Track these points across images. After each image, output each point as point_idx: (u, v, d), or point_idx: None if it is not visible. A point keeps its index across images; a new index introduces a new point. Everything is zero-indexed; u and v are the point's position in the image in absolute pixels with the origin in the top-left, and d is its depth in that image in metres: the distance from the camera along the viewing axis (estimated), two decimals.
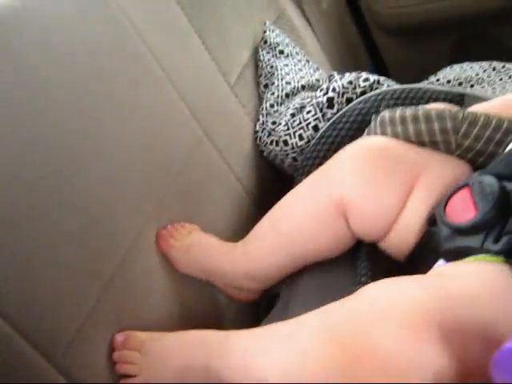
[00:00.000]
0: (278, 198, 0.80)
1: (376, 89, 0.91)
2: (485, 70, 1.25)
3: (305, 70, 1.11)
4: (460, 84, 1.25)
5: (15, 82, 0.64)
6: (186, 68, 0.93)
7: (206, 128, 0.93)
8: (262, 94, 1.10)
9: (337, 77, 0.95)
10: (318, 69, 1.17)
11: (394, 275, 0.58)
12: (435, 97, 0.83)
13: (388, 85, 0.91)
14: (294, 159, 0.95)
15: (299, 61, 1.14)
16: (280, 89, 1.06)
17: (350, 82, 0.92)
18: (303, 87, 1.07)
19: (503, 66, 1.23)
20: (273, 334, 0.60)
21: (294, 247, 0.76)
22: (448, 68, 1.32)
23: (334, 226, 0.72)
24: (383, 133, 0.73)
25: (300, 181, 0.82)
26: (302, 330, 0.56)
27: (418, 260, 0.68)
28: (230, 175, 0.95)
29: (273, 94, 1.07)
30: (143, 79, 0.83)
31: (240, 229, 0.89)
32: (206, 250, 0.80)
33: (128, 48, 0.81)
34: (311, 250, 0.75)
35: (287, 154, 0.96)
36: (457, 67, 1.31)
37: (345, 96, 0.91)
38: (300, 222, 0.75)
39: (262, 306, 0.83)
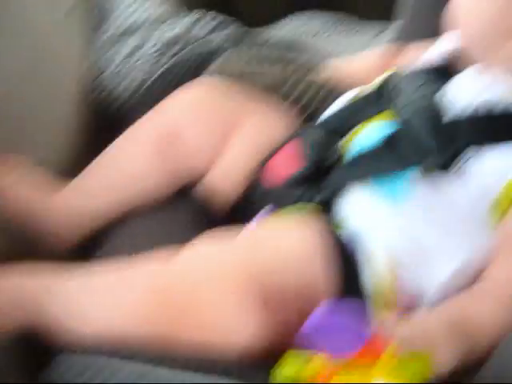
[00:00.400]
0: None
1: (223, 29, 0.89)
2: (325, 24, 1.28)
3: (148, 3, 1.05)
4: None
5: None
6: None
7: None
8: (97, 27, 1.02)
9: (182, 14, 0.92)
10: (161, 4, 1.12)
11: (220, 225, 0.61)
12: (273, 43, 0.85)
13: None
14: (123, 105, 0.91)
15: None
16: (114, 27, 0.99)
17: (198, 20, 0.89)
18: (145, 22, 1.01)
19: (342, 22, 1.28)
20: (95, 285, 0.57)
21: (126, 179, 0.74)
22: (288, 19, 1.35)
23: (165, 157, 0.72)
24: (221, 72, 0.74)
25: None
26: (125, 283, 0.55)
27: (241, 211, 0.69)
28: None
29: (105, 32, 0.99)
30: None
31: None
32: (28, 186, 0.74)
33: None
34: (143, 184, 0.73)
35: (116, 99, 0.91)
36: (303, 17, 1.34)
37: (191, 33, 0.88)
38: (134, 155, 0.74)
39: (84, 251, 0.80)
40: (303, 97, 0.74)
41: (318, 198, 0.60)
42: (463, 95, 0.58)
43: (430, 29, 0.81)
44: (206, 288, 0.51)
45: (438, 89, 0.60)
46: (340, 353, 0.45)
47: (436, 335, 0.47)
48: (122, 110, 0.93)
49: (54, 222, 0.71)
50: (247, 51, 0.74)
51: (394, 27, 1.06)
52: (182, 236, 0.63)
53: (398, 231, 0.56)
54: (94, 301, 0.55)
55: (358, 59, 0.82)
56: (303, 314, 0.48)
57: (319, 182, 0.61)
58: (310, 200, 0.60)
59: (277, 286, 0.51)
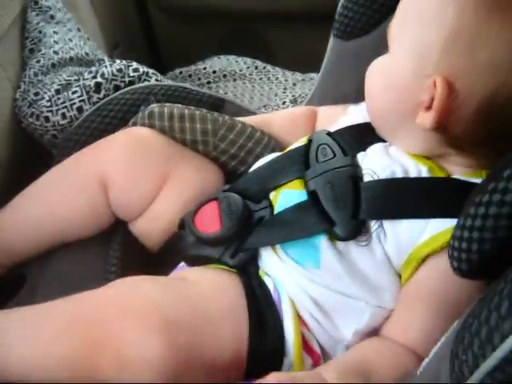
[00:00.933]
0: (36, 171, 0.78)
1: (144, 80, 0.93)
2: (248, 67, 1.34)
3: (75, 40, 1.08)
4: (224, 76, 1.33)
5: None
6: None
7: None
8: (27, 60, 1.04)
9: (107, 62, 0.95)
10: (88, 39, 1.14)
11: (144, 268, 0.64)
12: (199, 97, 0.88)
13: (156, 79, 0.94)
14: (54, 136, 0.93)
15: (70, 30, 1.10)
16: (47, 58, 1.02)
17: (120, 70, 0.93)
18: (71, 59, 1.04)
19: (264, 67, 1.34)
20: (19, 320, 0.59)
21: (53, 219, 0.75)
22: (216, 58, 1.40)
23: (94, 199, 0.74)
24: (151, 125, 0.77)
25: (59, 160, 0.81)
26: (46, 319, 0.58)
27: (165, 257, 0.73)
28: None
29: (38, 61, 1.02)
30: None
31: None
32: None
33: None
34: (70, 222, 0.75)
35: (47, 131, 0.93)
36: (224, 58, 1.39)
37: (113, 83, 0.92)
38: (62, 193, 0.75)
39: (6, 287, 0.81)
40: (232, 147, 0.78)
41: (236, 258, 0.64)
42: (370, 170, 0.63)
43: (344, 90, 0.88)
44: (123, 318, 0.55)
45: (349, 160, 0.65)
46: None
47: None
48: (54, 140, 0.95)
49: None
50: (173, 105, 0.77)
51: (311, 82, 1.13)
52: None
53: (315, 290, 0.62)
54: (12, 340, 0.56)
55: (283, 114, 0.87)
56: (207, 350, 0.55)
57: (238, 242, 0.65)
58: (228, 259, 0.65)
59: (188, 323, 0.56)
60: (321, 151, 0.67)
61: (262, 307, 0.61)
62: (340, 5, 0.82)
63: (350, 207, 0.61)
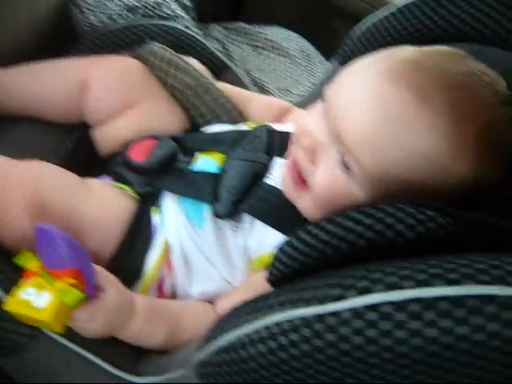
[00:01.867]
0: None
1: (174, 19, 1.03)
2: (302, 51, 1.40)
3: None
4: (274, 48, 1.39)
5: None
6: None
7: None
8: None
9: None
10: None
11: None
12: (206, 53, 0.99)
13: (185, 25, 1.03)
14: (84, 30, 1.04)
15: None
16: None
17: (157, 3, 1.03)
18: None
19: (314, 58, 1.40)
20: None
21: (37, 91, 0.85)
22: (280, 28, 1.46)
23: (70, 94, 0.84)
24: (145, 59, 0.87)
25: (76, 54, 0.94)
26: None
27: (105, 164, 0.84)
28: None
29: None
30: None
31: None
32: None
33: None
34: (46, 100, 0.85)
35: (80, 23, 1.04)
36: (286, 32, 1.45)
37: (146, 12, 1.02)
38: (53, 77, 0.86)
39: None
40: (202, 106, 0.87)
41: (143, 188, 0.75)
42: (274, 177, 0.72)
43: None
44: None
45: (264, 160, 0.74)
46: (50, 266, 0.58)
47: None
48: (83, 34, 1.06)
49: None
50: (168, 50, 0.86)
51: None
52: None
53: (189, 243, 0.72)
54: None
55: (264, 100, 0.95)
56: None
57: (151, 177, 0.76)
58: (138, 186, 0.76)
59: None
60: (252, 141, 0.76)
61: (138, 232, 0.72)
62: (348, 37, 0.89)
63: (236, 195, 0.70)
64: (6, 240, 0.65)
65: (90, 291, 0.59)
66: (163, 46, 0.87)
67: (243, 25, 1.44)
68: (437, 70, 0.58)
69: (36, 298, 0.55)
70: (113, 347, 0.67)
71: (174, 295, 0.74)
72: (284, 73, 1.31)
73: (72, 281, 0.56)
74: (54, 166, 0.71)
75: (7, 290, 0.59)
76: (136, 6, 1.02)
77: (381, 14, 0.85)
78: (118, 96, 0.84)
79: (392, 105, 0.57)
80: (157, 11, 1.03)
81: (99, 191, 0.73)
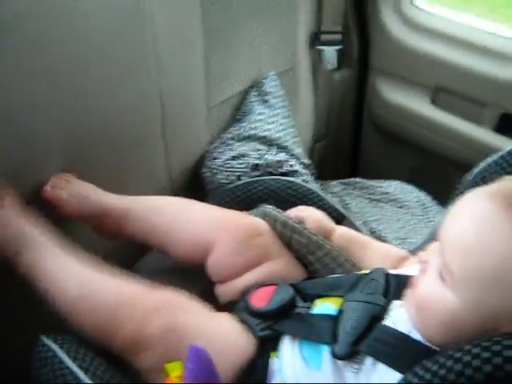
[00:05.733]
0: None
1: (294, 175, 1.12)
2: (417, 201, 1.44)
3: (274, 125, 1.31)
4: (393, 200, 1.44)
5: None
6: (178, 70, 1.12)
7: (166, 125, 1.12)
8: (231, 124, 1.30)
9: (274, 151, 1.16)
10: (288, 127, 1.37)
11: None
12: (326, 205, 1.04)
13: (304, 180, 1.12)
14: (214, 189, 1.16)
15: (275, 115, 1.33)
16: (244, 129, 1.26)
17: (278, 162, 1.13)
18: (263, 137, 1.27)
19: (430, 207, 1.42)
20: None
21: (165, 231, 0.95)
22: (396, 182, 1.52)
23: (197, 246, 0.92)
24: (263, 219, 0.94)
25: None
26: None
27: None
28: (163, 172, 1.15)
29: (237, 129, 1.27)
30: (137, 67, 1.02)
31: None
32: (94, 190, 0.98)
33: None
34: (174, 242, 0.95)
35: (211, 183, 1.16)
36: (402, 185, 1.51)
37: (268, 169, 1.12)
38: (183, 220, 0.95)
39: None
40: (317, 263, 0.92)
41: (263, 332, 0.79)
42: (393, 319, 0.72)
43: None
44: None
45: (382, 302, 0.75)
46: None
47: None
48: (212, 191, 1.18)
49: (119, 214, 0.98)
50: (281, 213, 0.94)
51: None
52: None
53: None
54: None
55: (381, 247, 0.97)
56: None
57: (272, 322, 0.79)
58: (259, 330, 0.79)
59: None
60: (368, 284, 0.78)
61: (252, 374, 0.75)
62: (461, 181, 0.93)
63: (355, 335, 0.71)
64: (140, 360, 0.74)
65: None
66: (274, 208, 0.94)
67: (361, 180, 1.52)
68: None
69: None
70: None
71: None
72: (401, 223, 1.34)
73: None
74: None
75: None
76: (258, 163, 1.12)
77: (492, 158, 0.91)
78: (239, 261, 0.90)
79: (490, 231, 0.63)
80: (278, 168, 1.13)
81: (228, 324, 0.79)
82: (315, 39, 1.51)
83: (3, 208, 0.87)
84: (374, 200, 1.44)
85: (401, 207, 1.40)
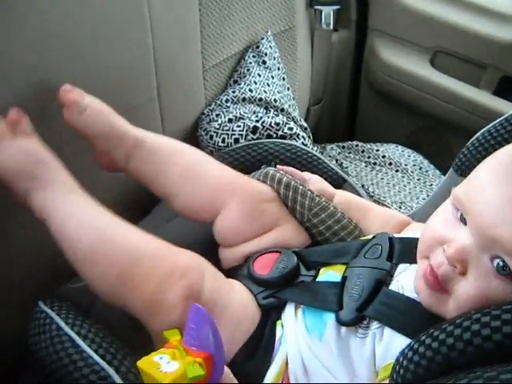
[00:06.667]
0: None
1: (293, 138, 1.09)
2: (414, 165, 1.43)
3: (271, 87, 1.28)
4: (390, 164, 1.43)
5: None
6: (172, 30, 1.08)
7: (161, 87, 1.09)
8: (228, 86, 1.27)
9: (272, 113, 1.13)
10: (288, 89, 1.34)
11: None
12: (326, 169, 1.02)
13: (303, 142, 1.09)
14: (211, 152, 1.14)
15: (273, 76, 1.30)
16: (241, 91, 1.24)
17: (277, 124, 1.10)
18: (260, 99, 1.24)
19: (427, 171, 1.41)
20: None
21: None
22: (393, 145, 1.51)
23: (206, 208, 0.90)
24: (264, 182, 0.92)
25: None
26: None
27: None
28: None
29: (234, 92, 1.24)
30: (129, 25, 0.99)
31: None
32: (113, 112, 0.90)
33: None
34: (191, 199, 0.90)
35: (208, 146, 1.14)
36: (399, 149, 1.50)
37: (267, 131, 1.10)
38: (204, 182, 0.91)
39: None
40: (321, 224, 0.90)
41: (266, 300, 0.78)
42: (399, 283, 0.71)
43: None
44: None
45: (387, 266, 0.74)
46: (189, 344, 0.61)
47: None
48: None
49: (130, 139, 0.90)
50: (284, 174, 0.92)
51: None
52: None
53: (309, 356, 0.72)
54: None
55: (382, 212, 0.96)
56: None
57: (275, 290, 0.78)
58: (261, 299, 0.78)
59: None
60: (372, 249, 0.77)
61: (260, 346, 0.73)
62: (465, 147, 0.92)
63: (360, 301, 0.70)
64: (156, 323, 0.70)
65: (213, 380, 0.61)
66: (277, 170, 0.92)
67: (358, 143, 1.50)
68: None
69: (165, 364, 0.59)
70: None
71: None
72: (399, 187, 1.33)
73: (200, 360, 0.59)
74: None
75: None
76: (256, 126, 1.10)
77: (494, 123, 0.90)
78: (247, 227, 0.88)
79: None
80: (277, 131, 1.11)
81: (240, 290, 0.77)
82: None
83: (18, 137, 0.79)
84: (372, 164, 1.43)
85: (398, 171, 1.39)
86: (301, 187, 0.90)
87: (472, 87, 1.47)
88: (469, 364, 0.52)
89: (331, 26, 1.52)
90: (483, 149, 0.89)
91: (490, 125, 0.94)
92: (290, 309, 0.76)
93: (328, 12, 1.49)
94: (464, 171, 0.90)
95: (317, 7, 1.49)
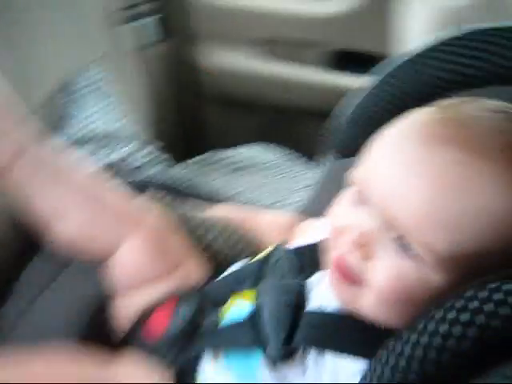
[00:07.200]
0: None
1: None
2: (274, 160, 1.39)
3: (109, 116, 1.16)
4: (253, 166, 1.38)
5: None
6: None
7: None
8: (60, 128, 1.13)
9: (118, 145, 1.03)
10: (122, 118, 1.22)
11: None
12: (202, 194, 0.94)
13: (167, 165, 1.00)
14: None
15: (106, 106, 1.18)
16: (78, 131, 1.10)
17: (123, 159, 0.99)
18: (102, 134, 1.12)
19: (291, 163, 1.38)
20: None
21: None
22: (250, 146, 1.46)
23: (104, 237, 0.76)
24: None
25: None
26: None
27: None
28: None
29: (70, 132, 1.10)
30: None
31: None
32: None
33: None
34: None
35: None
36: (257, 148, 1.45)
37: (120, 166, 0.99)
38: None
39: None
40: (214, 242, 0.81)
41: (178, 360, 0.66)
42: (317, 299, 0.62)
43: None
44: None
45: (300, 281, 0.65)
46: None
47: None
48: None
49: None
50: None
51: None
52: None
53: None
54: None
55: (271, 220, 0.89)
56: None
57: (186, 343, 0.67)
58: (171, 360, 0.66)
59: None
60: (274, 268, 0.68)
61: None
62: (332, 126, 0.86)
63: (284, 330, 0.60)
64: None
65: None
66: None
67: (217, 152, 1.44)
68: (473, 123, 0.54)
69: None
70: None
71: None
72: (271, 186, 1.28)
73: None
74: None
75: None
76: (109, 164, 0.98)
77: (362, 93, 0.83)
78: (152, 266, 0.76)
79: (445, 170, 0.52)
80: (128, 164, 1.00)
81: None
82: (127, 15, 1.38)
83: None
84: (236, 169, 1.36)
85: (265, 169, 1.34)
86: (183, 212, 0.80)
87: (309, 68, 1.47)
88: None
89: (155, 38, 1.43)
90: (360, 123, 0.82)
91: (361, 94, 0.85)
92: (208, 360, 0.65)
93: (148, 25, 1.40)
94: (344, 150, 0.84)
95: (133, 24, 1.39)
